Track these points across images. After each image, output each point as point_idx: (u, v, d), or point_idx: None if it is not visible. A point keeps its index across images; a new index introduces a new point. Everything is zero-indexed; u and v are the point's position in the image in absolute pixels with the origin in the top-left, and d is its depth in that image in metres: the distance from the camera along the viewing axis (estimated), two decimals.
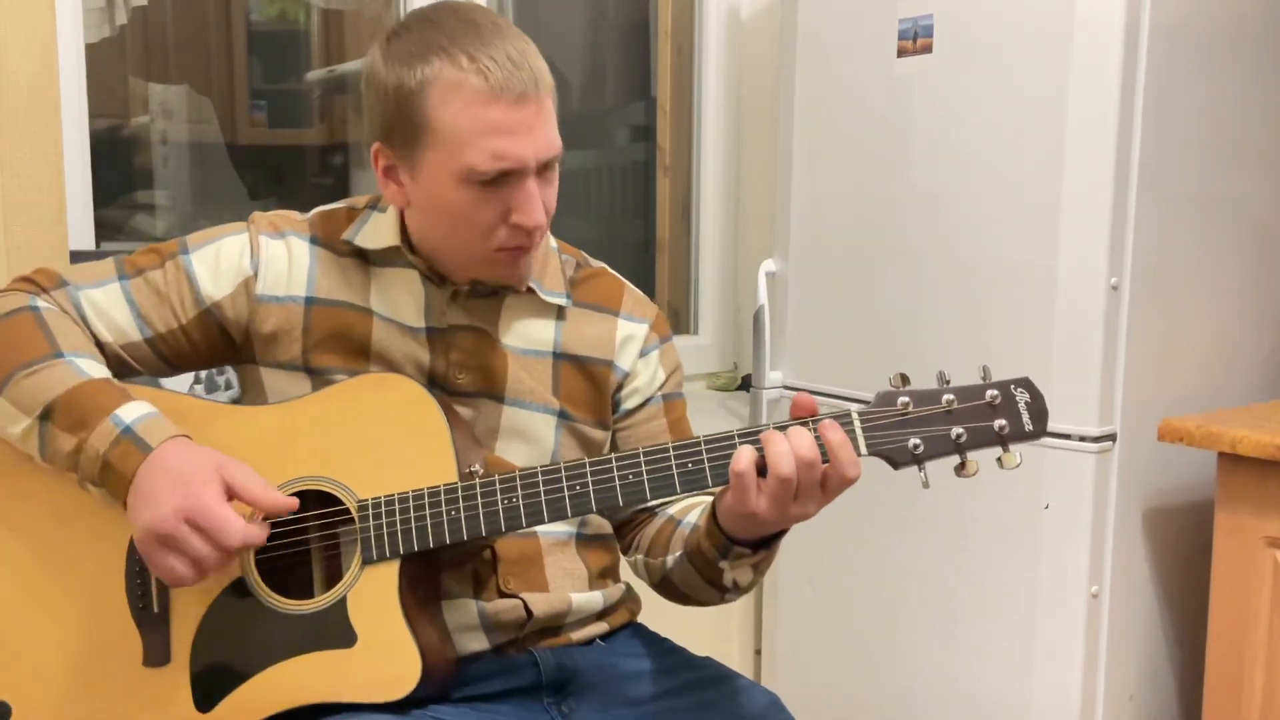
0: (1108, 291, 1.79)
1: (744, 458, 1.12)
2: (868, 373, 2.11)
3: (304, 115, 2.37)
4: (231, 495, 1.14)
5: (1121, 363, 1.82)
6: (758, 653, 2.46)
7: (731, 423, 2.39)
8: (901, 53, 2.01)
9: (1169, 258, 1.87)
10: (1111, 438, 1.84)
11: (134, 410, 1.16)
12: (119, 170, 2.05)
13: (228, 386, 1.78)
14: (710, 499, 1.30)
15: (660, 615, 1.46)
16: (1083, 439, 1.81)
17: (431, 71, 1.17)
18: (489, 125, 1.16)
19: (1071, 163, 1.80)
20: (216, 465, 1.14)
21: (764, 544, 1.22)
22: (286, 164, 2.39)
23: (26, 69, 1.59)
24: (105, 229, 1.84)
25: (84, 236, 1.75)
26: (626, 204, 2.72)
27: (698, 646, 1.43)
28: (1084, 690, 1.87)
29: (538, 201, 1.20)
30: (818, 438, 1.12)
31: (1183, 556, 1.96)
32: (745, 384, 2.52)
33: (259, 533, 1.15)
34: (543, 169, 1.21)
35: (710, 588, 1.29)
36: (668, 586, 1.35)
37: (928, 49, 1.97)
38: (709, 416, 2.37)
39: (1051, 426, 1.20)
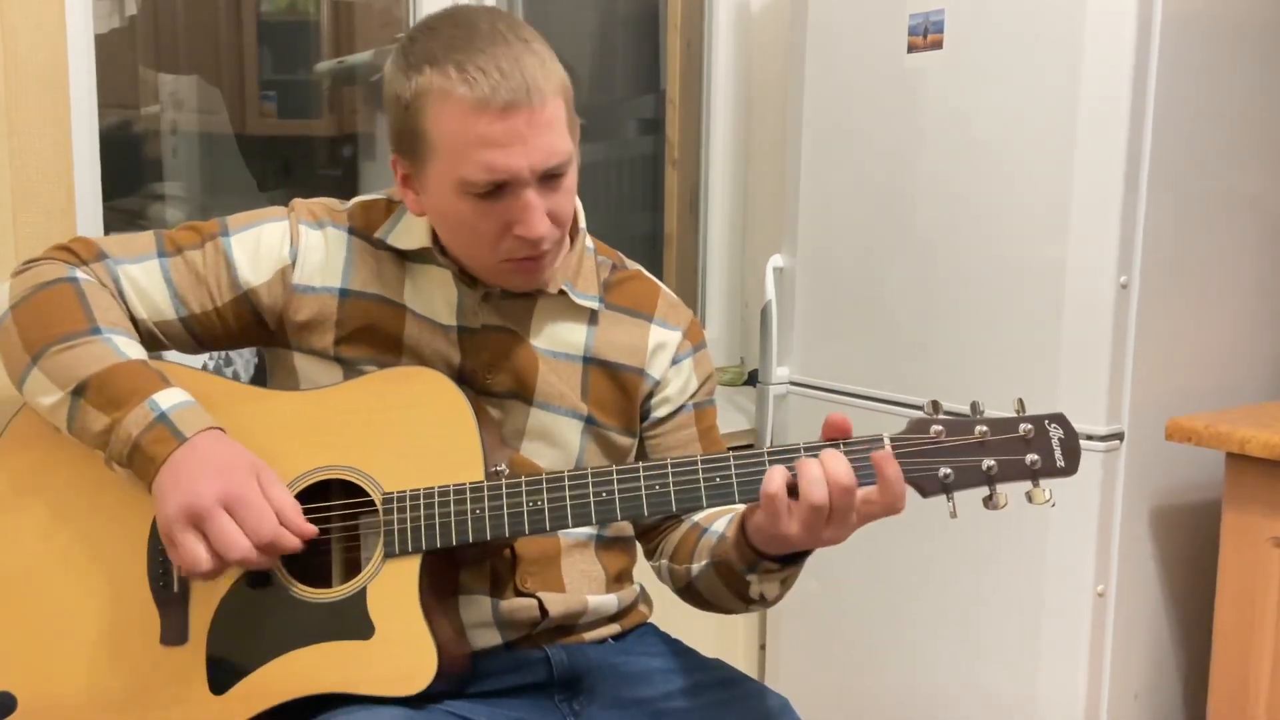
0: (1117, 290, 1.79)
1: (776, 480, 1.11)
2: (875, 369, 2.11)
3: (313, 106, 2.37)
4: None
5: (1130, 361, 1.82)
6: (762, 648, 2.46)
7: (738, 418, 2.39)
8: (912, 48, 2.00)
9: (1179, 256, 1.86)
10: (1119, 436, 1.84)
11: (170, 397, 1.16)
12: (128, 160, 2.05)
13: (235, 378, 1.78)
14: (738, 508, 1.29)
15: (666, 609, 1.46)
16: (1090, 438, 1.81)
17: (424, 82, 1.15)
18: (478, 137, 1.13)
19: (1082, 160, 1.79)
20: (254, 464, 1.14)
21: (792, 560, 1.22)
22: (295, 155, 2.39)
23: (36, 59, 1.59)
24: (114, 219, 1.84)
25: (93, 226, 1.75)
26: (635, 197, 2.72)
27: (702, 641, 1.43)
28: (1089, 689, 1.87)
29: (537, 212, 1.16)
30: (866, 464, 1.11)
31: (1189, 556, 1.96)
32: (752, 379, 2.52)
33: (289, 536, 1.14)
34: (547, 178, 1.17)
35: (736, 599, 1.28)
36: (692, 594, 1.34)
37: (938, 44, 1.96)
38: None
39: None
